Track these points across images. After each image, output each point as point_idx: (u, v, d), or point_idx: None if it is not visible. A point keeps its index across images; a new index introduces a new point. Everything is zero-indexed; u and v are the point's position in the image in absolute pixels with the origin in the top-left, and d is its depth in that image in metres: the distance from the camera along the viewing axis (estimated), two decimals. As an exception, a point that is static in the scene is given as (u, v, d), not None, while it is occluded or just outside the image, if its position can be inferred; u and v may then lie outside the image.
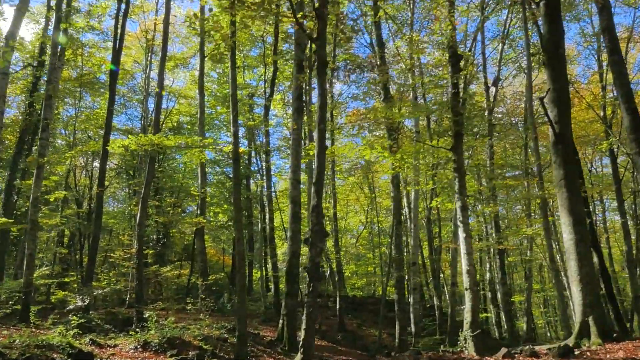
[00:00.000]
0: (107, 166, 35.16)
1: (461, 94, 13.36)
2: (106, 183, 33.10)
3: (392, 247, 18.51)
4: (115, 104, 30.37)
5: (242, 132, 29.94)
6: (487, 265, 33.36)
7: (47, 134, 17.46)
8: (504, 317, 23.10)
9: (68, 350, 9.30)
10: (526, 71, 15.52)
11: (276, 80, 25.76)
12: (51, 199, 17.65)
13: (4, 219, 15.92)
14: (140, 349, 10.78)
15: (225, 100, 28.53)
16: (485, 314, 35.20)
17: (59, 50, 20.42)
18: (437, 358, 7.21)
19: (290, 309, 14.29)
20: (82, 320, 11.76)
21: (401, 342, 18.23)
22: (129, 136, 13.37)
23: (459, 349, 9.37)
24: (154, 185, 25.63)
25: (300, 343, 9.74)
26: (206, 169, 24.43)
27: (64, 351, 9.25)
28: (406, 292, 23.20)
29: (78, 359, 9.16)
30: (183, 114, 32.84)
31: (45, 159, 16.68)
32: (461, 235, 10.78)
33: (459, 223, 10.71)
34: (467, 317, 9.90)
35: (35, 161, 16.51)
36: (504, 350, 7.98)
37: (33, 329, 11.82)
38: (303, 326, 9.71)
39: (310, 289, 9.70)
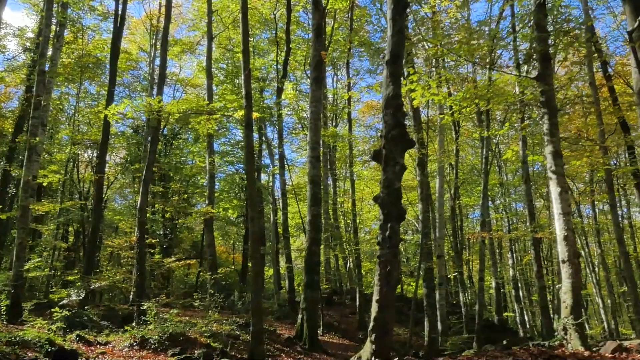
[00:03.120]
0: (113, 161, 34.02)
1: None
2: (111, 178, 31.66)
3: (420, 237, 16.77)
4: (120, 94, 29.18)
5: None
6: (510, 261, 31.63)
7: (40, 113, 15.87)
8: (540, 314, 21.14)
9: (47, 347, 7.66)
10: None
11: (287, 69, 24.10)
12: (44, 183, 16.06)
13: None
14: (136, 347, 9.11)
15: (236, 75, 26.87)
16: (507, 313, 33.45)
17: (56, 26, 19.00)
18: (538, 353, 5.52)
19: (310, 302, 12.62)
20: (67, 313, 10.10)
21: (431, 340, 16.49)
22: (124, 100, 11.77)
23: (556, 342, 7.42)
24: (158, 172, 23.98)
25: (371, 325, 6.26)
26: (215, 164, 22.79)
27: (41, 349, 7.62)
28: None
29: (59, 357, 7.48)
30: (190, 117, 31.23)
31: (37, 139, 15.08)
32: (554, 190, 8.25)
33: (550, 174, 8.26)
34: (566, 298, 7.58)
35: (27, 141, 14.93)
36: (612, 343, 6.24)
37: (4, 324, 10.17)
38: (375, 296, 6.30)
39: (387, 232, 6.26)
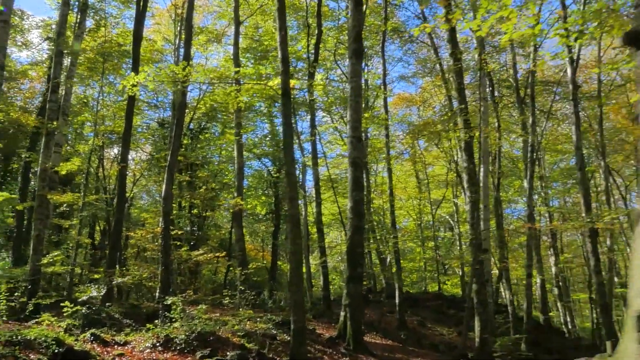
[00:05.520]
0: (139, 158, 33.15)
1: None
2: (137, 175, 30.79)
3: (468, 228, 15.27)
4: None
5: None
6: (552, 258, 29.90)
7: (58, 97, 14.86)
8: (598, 314, 19.34)
9: (54, 348, 6.45)
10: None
11: (319, 54, 22.75)
12: (62, 172, 15.04)
13: (5, 194, 13.33)
14: (159, 348, 7.86)
15: (265, 55, 25.72)
16: (552, 313, 31.64)
17: (76, 14, 18.06)
18: None
19: (353, 298, 11.24)
20: (82, 309, 8.92)
21: (482, 341, 14.93)
22: (144, 68, 10.59)
23: None
24: (185, 162, 22.89)
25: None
26: (243, 143, 21.53)
27: (47, 349, 6.42)
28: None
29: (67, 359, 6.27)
30: (217, 96, 30.16)
31: (55, 123, 14.04)
32: None
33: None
34: None
35: (44, 126, 13.92)
36: None
37: (10, 321, 9.04)
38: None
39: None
